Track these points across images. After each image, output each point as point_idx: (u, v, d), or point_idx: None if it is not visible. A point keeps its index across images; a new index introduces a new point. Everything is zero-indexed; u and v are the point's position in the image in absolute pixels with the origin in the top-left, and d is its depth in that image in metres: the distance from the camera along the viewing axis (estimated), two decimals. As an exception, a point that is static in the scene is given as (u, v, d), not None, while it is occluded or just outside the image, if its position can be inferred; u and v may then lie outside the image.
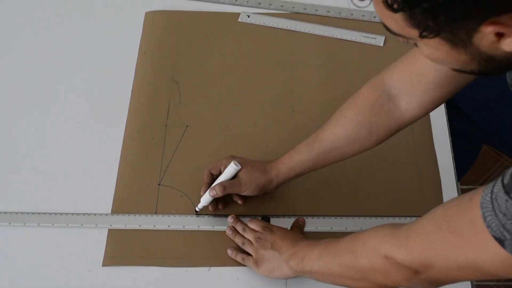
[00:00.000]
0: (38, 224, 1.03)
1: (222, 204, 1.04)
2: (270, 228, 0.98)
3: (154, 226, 1.02)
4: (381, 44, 1.27)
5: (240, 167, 0.99)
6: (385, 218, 1.03)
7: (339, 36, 1.28)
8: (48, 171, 1.10)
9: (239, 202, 1.04)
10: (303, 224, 1.02)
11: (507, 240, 0.62)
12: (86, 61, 1.26)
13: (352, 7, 0.74)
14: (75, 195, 1.07)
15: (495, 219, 0.62)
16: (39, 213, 1.05)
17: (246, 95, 1.20)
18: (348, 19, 1.31)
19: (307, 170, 0.99)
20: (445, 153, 1.11)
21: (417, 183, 1.08)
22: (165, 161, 1.10)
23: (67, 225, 1.03)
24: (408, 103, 0.91)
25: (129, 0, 1.36)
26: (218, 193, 0.99)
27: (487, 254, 0.64)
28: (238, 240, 0.99)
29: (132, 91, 1.20)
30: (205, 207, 1.03)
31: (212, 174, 1.03)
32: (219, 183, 0.99)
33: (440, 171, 1.09)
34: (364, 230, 0.82)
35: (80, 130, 1.15)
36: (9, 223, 1.04)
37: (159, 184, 1.07)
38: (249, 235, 0.98)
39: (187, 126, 1.15)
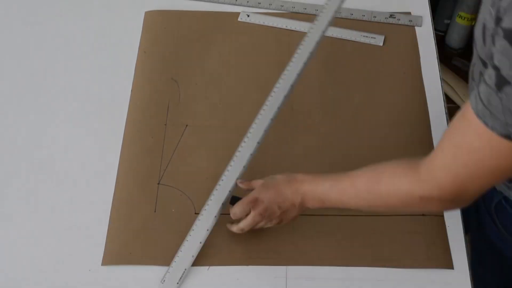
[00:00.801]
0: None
1: None
2: (256, 198, 0.95)
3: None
4: (381, 44, 1.27)
5: None
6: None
7: (339, 36, 1.28)
8: (47, 170, 1.10)
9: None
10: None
11: None
12: (86, 60, 1.26)
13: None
14: (74, 194, 1.07)
15: (496, 120, 0.66)
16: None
17: (246, 94, 1.20)
18: (348, 19, 1.31)
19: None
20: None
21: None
22: (164, 160, 1.10)
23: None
24: None
25: (129, 0, 1.36)
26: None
27: (503, 154, 0.68)
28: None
29: (131, 90, 1.20)
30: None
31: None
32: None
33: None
34: (379, 174, 0.85)
35: (79, 129, 1.15)
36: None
37: (158, 183, 1.07)
38: (249, 224, 0.96)
39: (186, 125, 1.15)
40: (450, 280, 0.98)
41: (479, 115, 0.68)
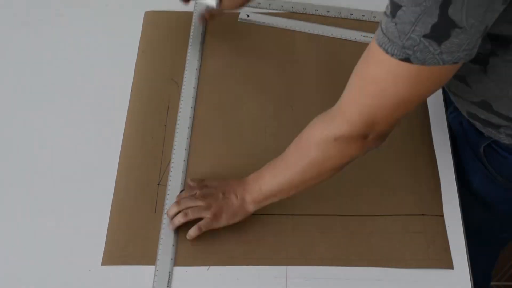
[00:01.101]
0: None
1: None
2: (205, 185, 1.01)
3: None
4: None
5: None
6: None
7: (339, 36, 1.28)
8: (47, 170, 1.10)
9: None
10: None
11: (411, 55, 0.69)
12: (85, 60, 1.26)
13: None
14: (74, 194, 1.07)
15: (395, 45, 0.70)
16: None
17: (246, 94, 1.20)
18: (348, 18, 1.31)
19: None
20: (445, 153, 1.11)
21: (417, 183, 1.08)
22: (164, 160, 1.10)
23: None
24: None
25: (129, 0, 1.36)
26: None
27: (406, 78, 0.72)
28: (180, 218, 0.99)
29: (131, 90, 1.20)
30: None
31: None
32: None
33: (439, 171, 1.09)
34: (301, 132, 0.89)
35: (79, 130, 1.15)
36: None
37: (158, 184, 1.07)
38: (191, 202, 0.99)
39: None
40: (450, 280, 0.98)
41: (379, 43, 0.72)
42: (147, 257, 0.99)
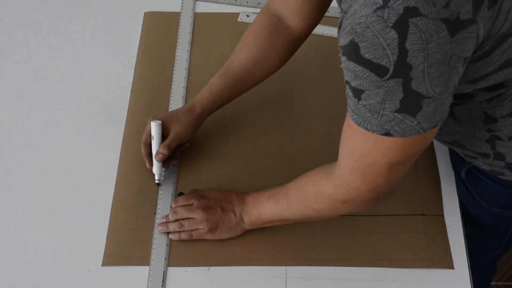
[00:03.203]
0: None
1: (176, 159, 1.08)
2: (204, 195, 1.01)
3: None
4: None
5: (159, 121, 1.03)
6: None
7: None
8: (47, 170, 1.10)
9: (175, 162, 1.07)
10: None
11: (390, 130, 0.70)
12: (86, 60, 1.26)
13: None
14: (74, 195, 1.07)
15: (371, 124, 0.71)
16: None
17: (246, 95, 1.19)
18: (348, 19, 1.31)
19: (227, 98, 1.07)
20: (444, 152, 1.11)
21: (417, 183, 1.07)
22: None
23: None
24: (292, 20, 1.02)
25: (128, 0, 1.36)
26: (165, 153, 1.02)
27: (392, 149, 0.73)
28: (175, 226, 1.00)
29: (131, 90, 1.20)
30: (162, 175, 1.05)
31: (148, 144, 1.05)
32: (161, 145, 1.03)
33: (439, 171, 1.09)
34: (306, 180, 0.90)
35: (79, 130, 1.15)
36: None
37: (158, 184, 1.07)
38: (187, 213, 0.99)
39: None
40: (450, 280, 0.98)
41: (357, 123, 0.73)
42: (147, 258, 0.99)
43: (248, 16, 1.32)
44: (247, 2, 1.34)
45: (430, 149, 1.12)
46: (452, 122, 0.90)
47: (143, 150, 1.05)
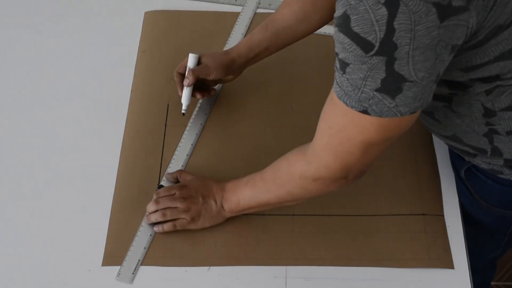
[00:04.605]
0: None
1: (200, 94, 1.12)
2: (185, 185, 1.02)
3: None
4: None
5: (198, 54, 1.09)
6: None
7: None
8: (47, 170, 1.10)
9: (198, 96, 1.12)
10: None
11: (368, 108, 0.71)
12: (86, 60, 1.26)
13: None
14: (74, 195, 1.07)
15: (351, 98, 0.72)
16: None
17: (246, 95, 1.20)
18: (348, 18, 1.31)
19: (264, 49, 1.10)
20: (444, 152, 1.11)
21: (417, 183, 1.08)
22: (165, 160, 1.10)
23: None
24: None
25: (128, 0, 1.36)
26: (191, 79, 1.07)
27: (369, 127, 0.74)
28: (157, 216, 1.00)
29: (131, 90, 1.20)
30: (188, 106, 1.10)
31: (181, 74, 1.10)
32: (189, 71, 1.08)
33: (439, 171, 1.09)
34: (280, 162, 0.92)
35: (79, 130, 1.15)
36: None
37: (158, 184, 1.07)
38: (169, 202, 0.99)
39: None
40: (450, 280, 0.98)
41: (339, 96, 0.74)
42: (147, 258, 0.99)
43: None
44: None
45: (430, 149, 1.12)
46: (451, 114, 0.90)
47: (176, 78, 1.10)
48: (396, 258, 0.99)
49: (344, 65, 0.70)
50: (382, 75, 0.68)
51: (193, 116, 1.16)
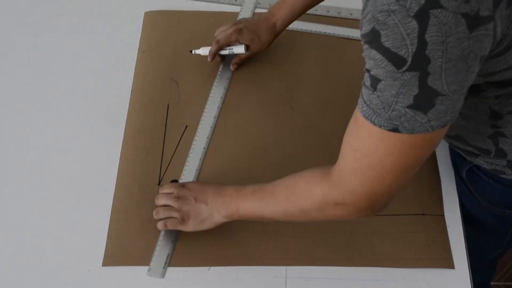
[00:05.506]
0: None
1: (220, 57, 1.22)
2: (183, 185, 1.01)
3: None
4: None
5: (245, 44, 1.19)
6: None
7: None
8: (47, 171, 1.10)
9: (232, 68, 1.21)
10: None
11: (399, 125, 0.69)
12: (86, 60, 1.26)
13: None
14: (74, 195, 1.07)
15: (380, 117, 0.69)
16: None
17: (246, 94, 1.20)
18: (348, 18, 1.31)
19: (301, 8, 1.16)
20: (445, 152, 1.11)
21: (417, 183, 1.07)
22: (165, 160, 1.10)
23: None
24: None
25: (128, 0, 1.36)
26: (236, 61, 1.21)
27: (398, 147, 0.71)
28: (154, 215, 1.00)
29: (131, 90, 1.20)
30: (199, 55, 1.20)
31: (219, 47, 1.19)
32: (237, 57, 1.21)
33: (440, 170, 1.09)
34: (298, 178, 0.87)
35: (79, 130, 1.15)
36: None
37: (158, 184, 1.07)
38: (164, 200, 0.99)
39: (186, 126, 1.15)
40: (450, 280, 0.98)
41: (365, 116, 0.71)
42: (147, 258, 0.99)
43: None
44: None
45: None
46: None
47: (213, 47, 1.19)
48: (396, 258, 0.99)
49: (375, 81, 0.68)
50: (415, 91, 0.66)
51: (202, 118, 1.15)
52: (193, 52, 1.21)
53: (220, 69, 1.23)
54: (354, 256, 1.00)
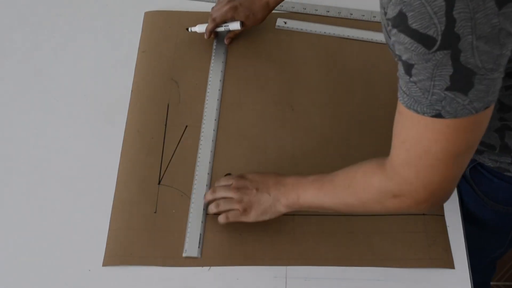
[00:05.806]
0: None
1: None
2: (243, 176, 1.00)
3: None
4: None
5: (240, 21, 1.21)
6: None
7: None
8: (47, 170, 1.10)
9: (226, 42, 1.25)
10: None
11: (441, 110, 0.68)
12: (86, 60, 1.26)
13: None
14: (74, 194, 1.07)
15: (422, 104, 0.68)
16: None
17: (246, 95, 1.20)
18: (348, 18, 1.31)
19: None
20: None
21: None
22: (165, 160, 1.10)
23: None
24: None
25: (128, 0, 1.36)
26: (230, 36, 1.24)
27: (445, 133, 0.70)
28: (213, 207, 1.00)
29: (131, 90, 1.20)
30: (196, 33, 1.25)
31: (216, 24, 1.22)
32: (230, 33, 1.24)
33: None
34: (356, 169, 0.87)
35: (80, 130, 1.15)
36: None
37: (159, 184, 1.07)
38: (224, 192, 0.99)
39: (186, 125, 1.15)
40: (450, 280, 0.98)
41: (407, 106, 0.70)
42: (148, 258, 0.99)
43: (285, 23, 1.30)
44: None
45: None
46: None
47: (209, 25, 1.22)
48: (396, 258, 0.99)
49: (409, 67, 0.67)
50: (450, 70, 0.65)
51: (204, 121, 1.15)
52: (189, 29, 1.25)
53: (214, 46, 1.27)
54: (354, 256, 1.00)
